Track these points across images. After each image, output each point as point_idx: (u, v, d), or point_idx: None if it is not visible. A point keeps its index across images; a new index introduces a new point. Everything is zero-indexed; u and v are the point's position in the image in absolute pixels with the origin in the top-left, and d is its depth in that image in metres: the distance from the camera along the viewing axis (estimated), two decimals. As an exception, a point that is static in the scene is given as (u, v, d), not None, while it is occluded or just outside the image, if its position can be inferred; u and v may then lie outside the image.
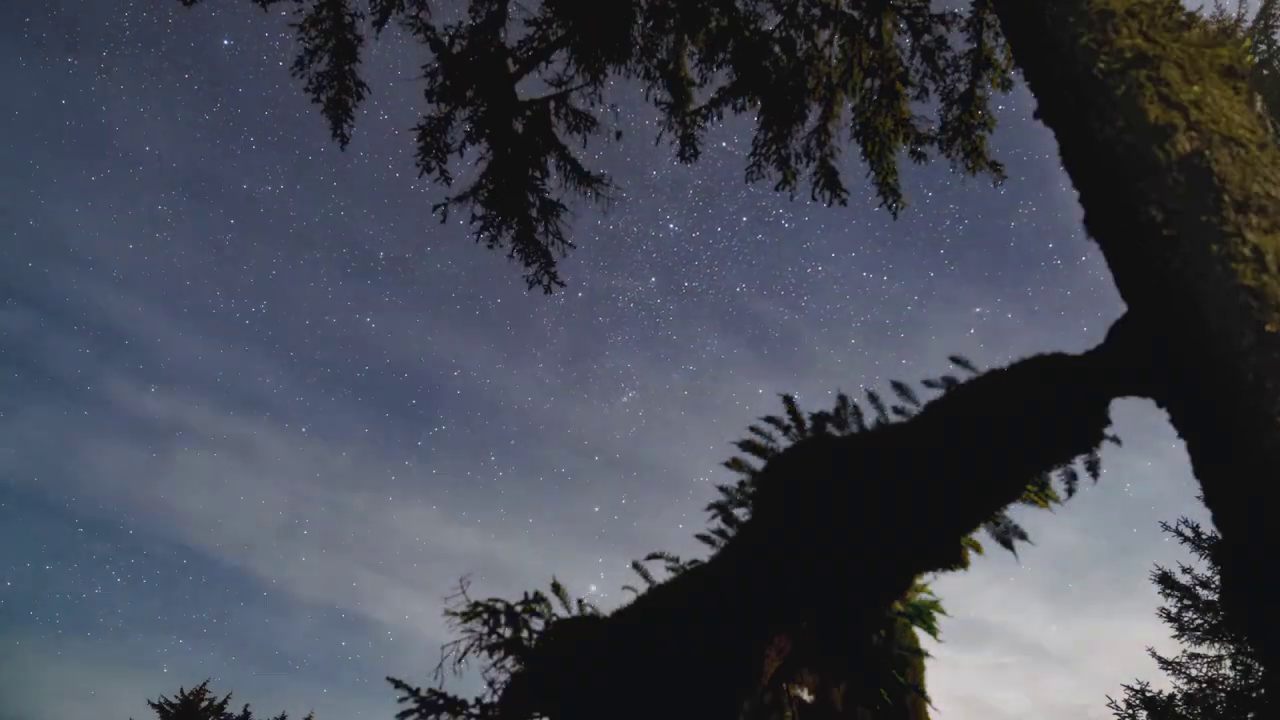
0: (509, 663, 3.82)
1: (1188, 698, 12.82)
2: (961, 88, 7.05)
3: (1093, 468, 3.44)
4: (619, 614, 3.73)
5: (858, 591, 3.55)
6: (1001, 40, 6.84)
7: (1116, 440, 3.13)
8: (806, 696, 4.19)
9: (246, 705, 16.61)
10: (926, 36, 6.90)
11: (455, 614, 3.97)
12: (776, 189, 7.51)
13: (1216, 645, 13.00)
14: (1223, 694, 12.58)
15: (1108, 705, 13.53)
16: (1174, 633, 13.42)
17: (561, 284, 7.29)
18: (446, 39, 6.51)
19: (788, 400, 4.61)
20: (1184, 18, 2.44)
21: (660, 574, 4.17)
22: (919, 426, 3.28)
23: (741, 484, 4.63)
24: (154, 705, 15.92)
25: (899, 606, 4.57)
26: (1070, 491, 3.59)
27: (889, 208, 7.41)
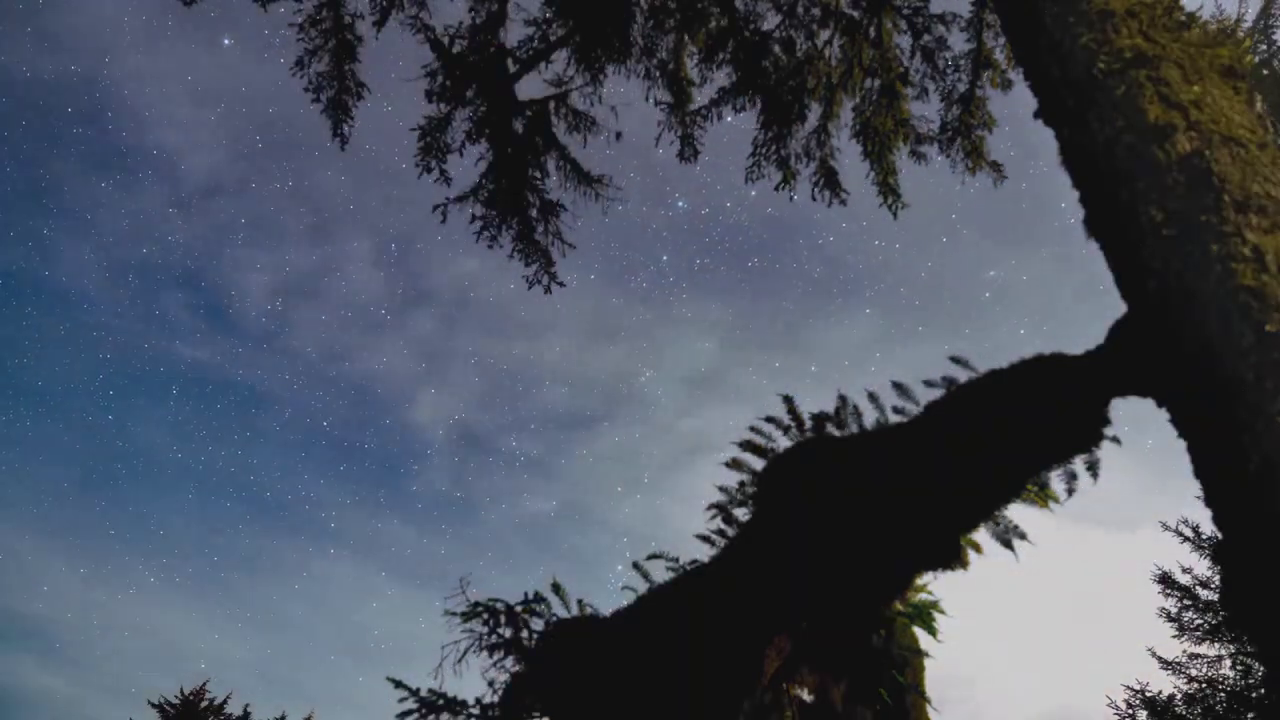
0: (509, 663, 3.82)
1: (1188, 698, 12.82)
2: (961, 88, 7.05)
3: (1093, 468, 3.44)
4: (619, 614, 3.73)
5: (858, 591, 3.55)
6: (1001, 40, 6.84)
7: (1116, 440, 3.13)
8: (806, 696, 4.19)
9: (246, 705, 16.63)
10: (926, 36, 6.90)
11: (455, 614, 3.97)
12: (776, 189, 7.52)
13: (1216, 645, 12.99)
14: (1223, 694, 12.59)
15: (1108, 705, 13.54)
16: (1174, 633, 13.42)
17: (562, 284, 7.29)
18: (446, 39, 6.50)
19: (788, 400, 4.61)
20: (1184, 18, 2.44)
21: (660, 574, 4.17)
22: (919, 427, 3.28)
23: (741, 484, 4.63)
24: (154, 705, 15.92)
25: (899, 606, 4.56)
26: (1070, 491, 3.59)
27: (889, 208, 7.41)
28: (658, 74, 7.10)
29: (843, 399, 4.40)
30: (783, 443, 4.54)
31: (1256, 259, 1.75)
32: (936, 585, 4.75)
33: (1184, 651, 13.29)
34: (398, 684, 3.81)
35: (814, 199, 7.48)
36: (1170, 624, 13.49)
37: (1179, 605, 13.47)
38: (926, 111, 7.19)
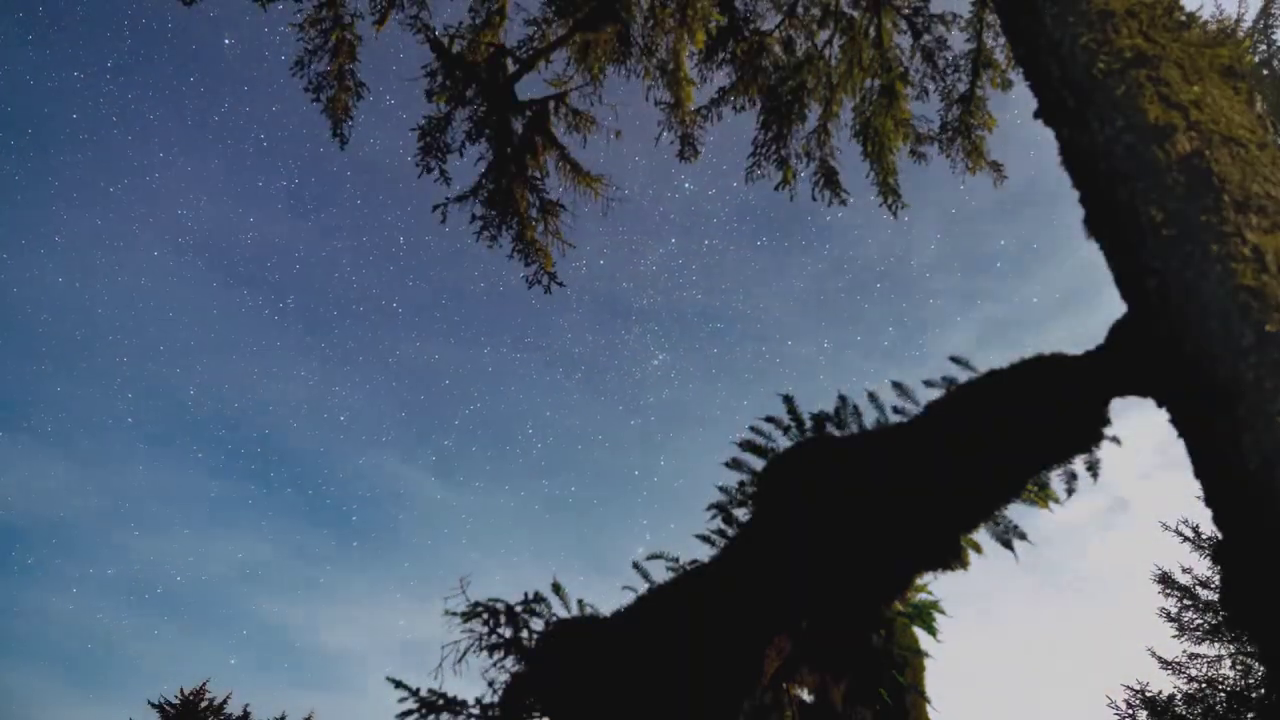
0: (509, 663, 3.82)
1: (1188, 698, 12.82)
2: (961, 88, 7.06)
3: (1093, 468, 3.44)
4: (619, 614, 3.72)
5: (858, 591, 3.54)
6: (1001, 40, 6.84)
7: (1116, 440, 3.13)
8: (806, 696, 4.19)
9: (246, 705, 16.64)
10: (926, 36, 6.90)
11: (455, 614, 3.97)
12: (776, 189, 7.51)
13: (1216, 645, 13.00)
14: (1223, 694, 12.59)
15: (1108, 705, 13.54)
16: (1174, 633, 13.43)
17: (561, 284, 7.28)
18: (446, 39, 6.50)
19: (788, 400, 4.61)
20: (1184, 18, 2.44)
21: (660, 574, 4.17)
22: (919, 427, 3.28)
23: (741, 484, 4.63)
24: (154, 705, 15.92)
25: (899, 606, 4.56)
26: (1070, 491, 3.59)
27: (889, 207, 7.40)
28: (658, 74, 7.10)
29: (843, 399, 4.40)
30: (783, 443, 4.54)
31: (1256, 259, 1.75)
32: (936, 585, 4.75)
33: (1184, 651, 13.30)
34: (398, 684, 3.81)
35: (814, 199, 7.48)
36: (1170, 624, 13.50)
37: (1179, 605, 13.48)
38: (926, 111, 7.20)
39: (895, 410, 3.95)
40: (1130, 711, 13.24)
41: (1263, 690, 12.18)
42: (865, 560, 3.32)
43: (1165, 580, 13.66)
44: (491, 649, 3.86)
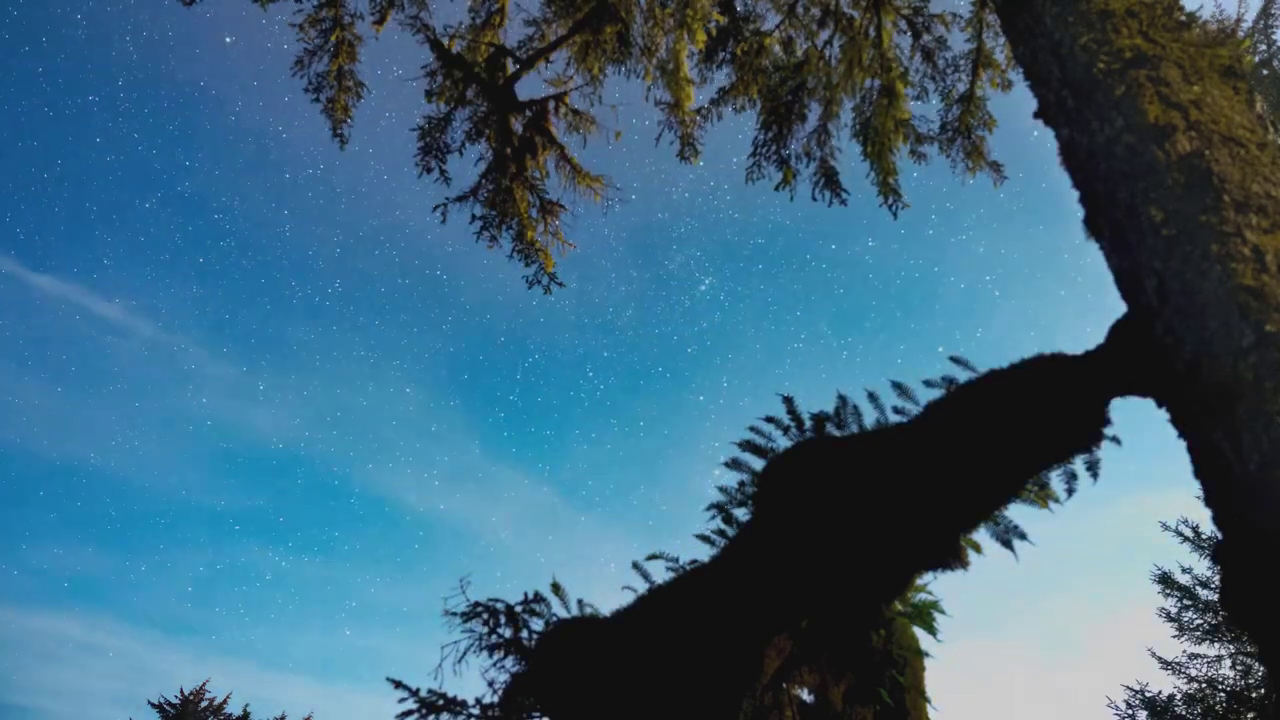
0: (509, 663, 3.82)
1: (1188, 698, 12.82)
2: (961, 88, 7.06)
3: (1093, 468, 3.44)
4: (619, 614, 3.72)
5: (858, 591, 3.55)
6: (1001, 40, 6.84)
7: (1116, 440, 3.13)
8: (806, 696, 4.19)
9: (246, 705, 16.65)
10: (926, 36, 6.90)
11: (455, 614, 3.97)
12: (776, 189, 7.51)
13: (1216, 645, 13.01)
14: (1223, 694, 12.59)
15: (1108, 705, 13.54)
16: (1174, 633, 13.43)
17: (561, 284, 7.28)
18: (446, 39, 6.51)
19: (787, 400, 4.61)
20: (1184, 18, 2.44)
21: (660, 574, 4.18)
22: (919, 427, 3.28)
23: (741, 484, 4.63)
24: (154, 705, 15.93)
25: (899, 606, 4.57)
26: (1070, 491, 3.59)
27: (889, 208, 7.41)
28: (658, 74, 7.10)
29: (842, 399, 4.40)
30: (783, 443, 4.54)
31: (1256, 259, 1.75)
32: (936, 585, 4.75)
33: (1184, 651, 13.30)
34: (398, 684, 3.81)
35: (814, 199, 7.47)
36: (1170, 624, 13.50)
37: (1179, 605, 13.48)
38: (926, 111, 7.20)
39: (895, 410, 3.95)
40: (1130, 711, 13.25)
41: (1263, 690, 12.18)
42: (865, 560, 3.32)
43: (1165, 580, 13.66)
44: (491, 649, 3.86)
